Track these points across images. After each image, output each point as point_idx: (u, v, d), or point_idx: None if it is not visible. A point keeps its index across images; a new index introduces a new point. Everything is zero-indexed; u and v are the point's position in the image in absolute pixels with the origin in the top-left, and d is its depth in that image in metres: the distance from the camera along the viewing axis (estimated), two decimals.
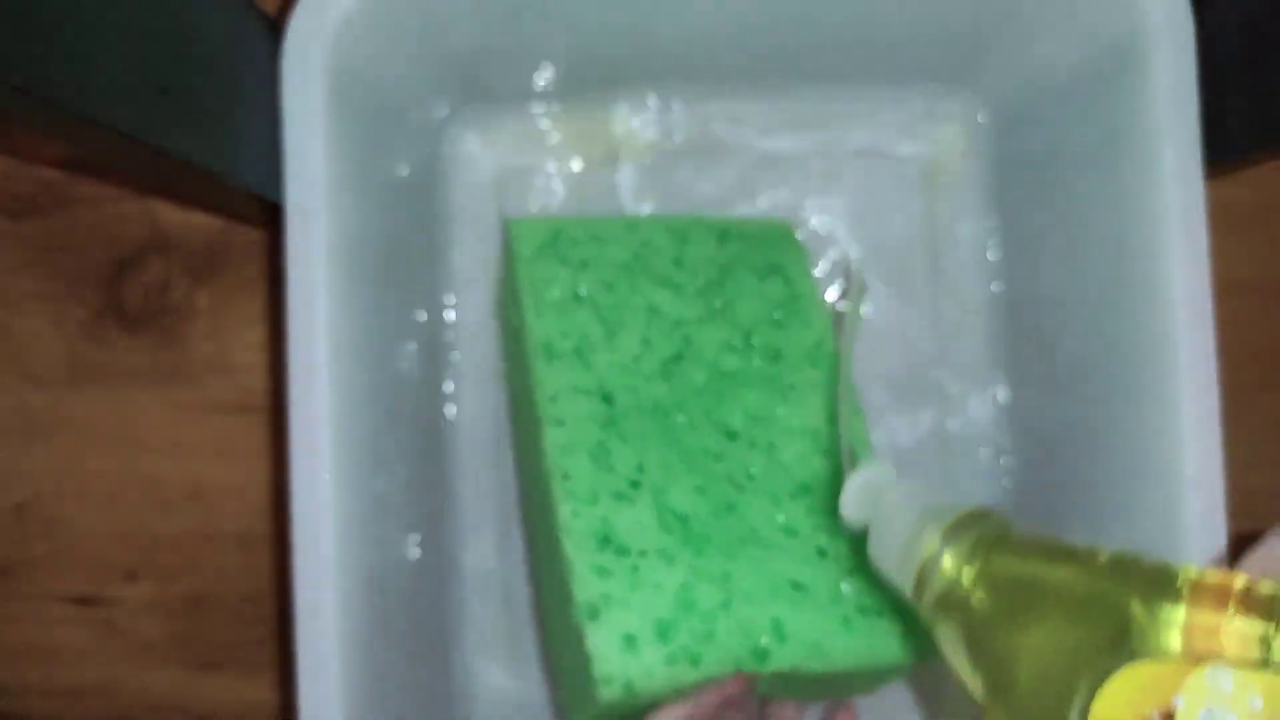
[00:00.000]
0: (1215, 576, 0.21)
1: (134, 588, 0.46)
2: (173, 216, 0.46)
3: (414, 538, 0.41)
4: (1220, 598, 0.21)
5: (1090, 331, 0.39)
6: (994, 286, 0.45)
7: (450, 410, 0.45)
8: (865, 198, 0.45)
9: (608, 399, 0.37)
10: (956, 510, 0.26)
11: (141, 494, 0.46)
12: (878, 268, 0.45)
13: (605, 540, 0.35)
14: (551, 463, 0.36)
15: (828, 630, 0.35)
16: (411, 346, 0.42)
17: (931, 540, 0.25)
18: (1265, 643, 0.20)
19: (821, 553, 0.37)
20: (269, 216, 0.40)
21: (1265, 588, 0.21)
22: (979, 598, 0.24)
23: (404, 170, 0.42)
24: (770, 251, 0.42)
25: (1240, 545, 0.23)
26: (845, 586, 0.36)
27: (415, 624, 0.40)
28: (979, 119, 0.45)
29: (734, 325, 0.40)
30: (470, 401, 0.45)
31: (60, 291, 0.46)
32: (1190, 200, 0.35)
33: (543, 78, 0.43)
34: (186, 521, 0.46)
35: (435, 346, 0.44)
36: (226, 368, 0.46)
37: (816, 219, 0.45)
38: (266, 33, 0.39)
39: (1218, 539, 0.34)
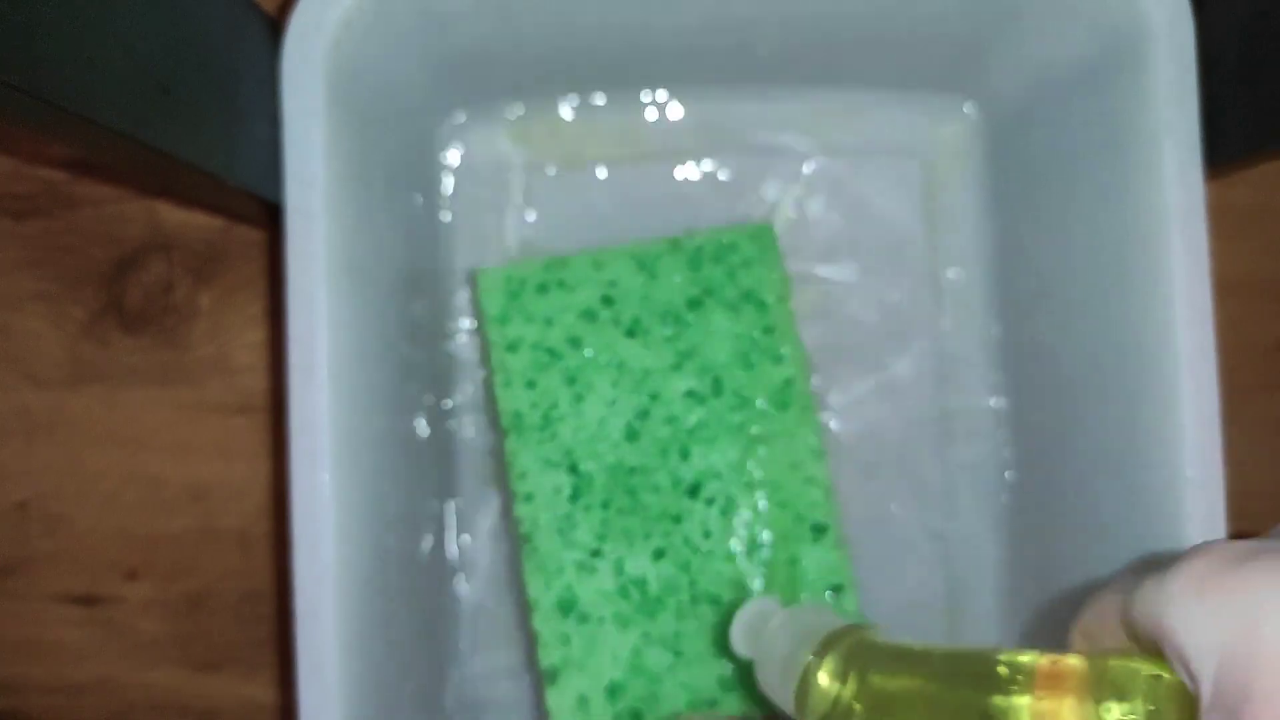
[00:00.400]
0: (1040, 660, 0.23)
1: (134, 587, 0.46)
2: (173, 216, 0.46)
3: (415, 537, 0.41)
4: (1048, 680, 0.23)
5: (1090, 332, 0.39)
6: (993, 287, 0.45)
7: (451, 406, 0.45)
8: (864, 198, 0.45)
9: (573, 469, 0.39)
10: (825, 629, 0.28)
11: (142, 494, 0.46)
12: (876, 268, 0.45)
13: (569, 608, 0.38)
14: (522, 534, 0.39)
15: None
16: (412, 346, 0.42)
17: (803, 661, 0.28)
18: (1094, 715, 0.22)
19: None
20: (269, 216, 0.40)
21: (1071, 663, 0.23)
22: (857, 709, 0.26)
23: (404, 170, 0.42)
24: (746, 274, 0.41)
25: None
26: None
27: (415, 624, 0.40)
28: (978, 119, 0.45)
29: (702, 371, 0.40)
30: (471, 397, 0.45)
31: (60, 291, 0.46)
32: (1190, 200, 0.35)
33: (544, 77, 0.43)
34: (187, 521, 0.46)
35: (436, 345, 0.44)
36: (227, 368, 0.46)
37: (815, 220, 0.45)
38: (266, 33, 0.39)
39: (1218, 539, 0.34)
